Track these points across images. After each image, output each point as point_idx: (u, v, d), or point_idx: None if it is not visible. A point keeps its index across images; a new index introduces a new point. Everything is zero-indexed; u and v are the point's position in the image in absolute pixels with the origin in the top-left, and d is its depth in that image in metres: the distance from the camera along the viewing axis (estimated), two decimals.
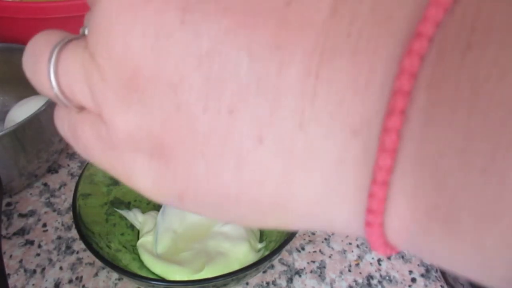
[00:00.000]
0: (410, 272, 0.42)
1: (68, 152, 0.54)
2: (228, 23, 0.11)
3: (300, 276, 0.42)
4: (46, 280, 0.41)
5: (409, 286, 0.41)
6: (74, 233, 0.45)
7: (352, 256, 0.44)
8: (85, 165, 0.40)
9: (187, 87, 0.12)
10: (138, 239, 0.41)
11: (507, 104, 0.09)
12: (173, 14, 0.12)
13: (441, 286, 0.41)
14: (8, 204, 0.48)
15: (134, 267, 0.37)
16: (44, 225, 0.46)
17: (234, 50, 0.11)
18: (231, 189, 0.12)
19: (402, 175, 0.10)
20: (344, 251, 0.44)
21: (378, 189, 0.10)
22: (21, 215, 0.47)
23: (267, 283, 0.41)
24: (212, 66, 0.11)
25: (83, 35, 0.14)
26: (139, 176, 0.14)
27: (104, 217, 0.40)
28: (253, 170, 0.12)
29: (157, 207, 0.44)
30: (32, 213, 0.47)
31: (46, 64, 0.14)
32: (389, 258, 0.44)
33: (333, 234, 0.46)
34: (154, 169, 0.13)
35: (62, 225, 0.46)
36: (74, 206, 0.36)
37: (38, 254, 0.43)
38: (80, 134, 0.15)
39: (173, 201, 0.14)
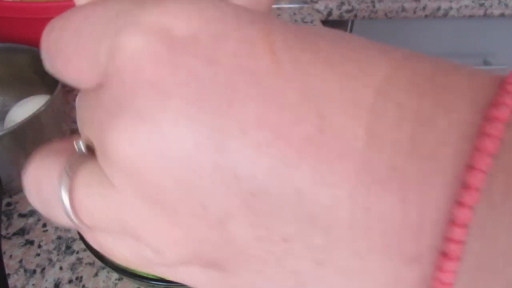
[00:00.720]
0: None
1: None
2: (270, 162, 0.11)
3: None
4: (46, 280, 0.41)
5: None
6: (74, 233, 0.45)
7: None
8: None
9: (235, 223, 0.11)
10: None
11: None
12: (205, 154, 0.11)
13: None
14: (8, 204, 0.48)
15: None
16: (44, 225, 0.46)
17: (282, 188, 0.11)
18: None
19: None
20: None
21: None
22: (21, 215, 0.47)
23: None
24: (261, 205, 0.11)
25: (81, 151, 0.14)
26: (198, 284, 0.14)
27: None
28: (313, 286, 0.12)
29: None
30: (32, 213, 0.47)
31: (59, 202, 0.13)
32: None
33: None
34: (212, 278, 0.13)
35: None
36: None
37: (38, 254, 0.43)
38: (117, 255, 0.14)
39: None
